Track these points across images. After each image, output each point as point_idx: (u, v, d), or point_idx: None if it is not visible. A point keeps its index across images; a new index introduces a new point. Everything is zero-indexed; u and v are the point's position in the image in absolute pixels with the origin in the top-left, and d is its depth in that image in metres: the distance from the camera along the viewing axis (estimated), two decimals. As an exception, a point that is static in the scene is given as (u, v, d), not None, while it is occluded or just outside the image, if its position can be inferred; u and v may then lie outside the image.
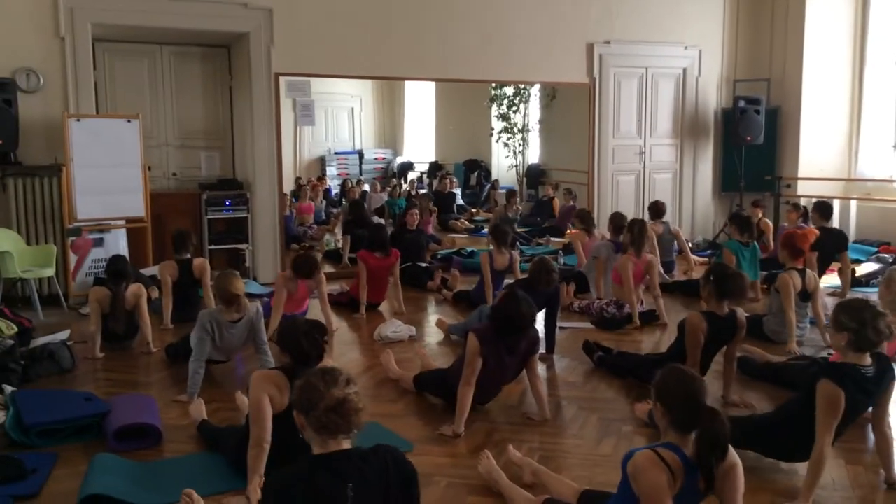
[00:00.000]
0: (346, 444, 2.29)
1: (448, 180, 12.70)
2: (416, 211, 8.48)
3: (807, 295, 5.62)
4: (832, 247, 7.22)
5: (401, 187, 12.53)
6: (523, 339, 4.25)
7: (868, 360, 3.26)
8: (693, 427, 2.53)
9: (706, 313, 4.41)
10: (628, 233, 6.69)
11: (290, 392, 3.31)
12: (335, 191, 13.32)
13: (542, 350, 5.47)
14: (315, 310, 6.40)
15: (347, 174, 14.57)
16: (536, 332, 4.42)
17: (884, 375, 3.28)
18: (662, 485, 2.48)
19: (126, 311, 5.65)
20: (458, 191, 13.13)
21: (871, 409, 3.41)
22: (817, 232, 6.83)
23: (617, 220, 7.39)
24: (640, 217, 8.48)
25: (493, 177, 14.10)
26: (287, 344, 3.43)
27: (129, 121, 7.53)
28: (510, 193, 10.59)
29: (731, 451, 2.59)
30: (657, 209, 8.35)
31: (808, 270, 5.71)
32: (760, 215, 8.87)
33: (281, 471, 2.29)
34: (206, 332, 4.70)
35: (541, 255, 5.83)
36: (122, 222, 7.64)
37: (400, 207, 11.04)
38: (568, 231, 9.70)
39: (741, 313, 4.49)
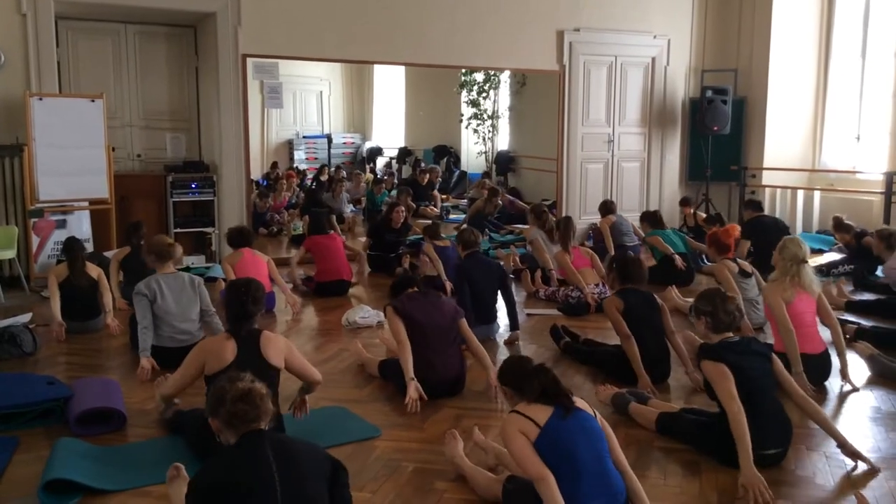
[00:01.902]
0: (263, 426, 2.40)
1: (430, 173, 12.55)
2: (403, 209, 8.34)
3: (746, 273, 5.84)
4: (777, 237, 7.32)
5: (385, 177, 12.11)
6: (442, 302, 4.58)
7: (731, 334, 3.65)
8: (533, 390, 2.84)
9: (618, 292, 4.80)
10: (557, 230, 7.23)
11: (236, 344, 3.49)
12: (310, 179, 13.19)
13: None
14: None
15: (315, 158, 14.47)
16: (450, 299, 4.86)
17: (750, 342, 3.62)
18: (514, 428, 2.74)
19: (87, 274, 5.73)
20: (438, 181, 12.95)
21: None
22: (738, 227, 7.10)
23: (536, 209, 8.04)
24: (569, 215, 9.01)
25: (463, 163, 14.09)
26: (223, 299, 3.83)
27: (92, 100, 7.41)
28: (492, 192, 10.48)
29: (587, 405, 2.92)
30: (606, 207, 8.84)
31: (737, 259, 6.00)
32: (692, 212, 9.09)
33: (202, 466, 2.42)
34: (144, 296, 4.85)
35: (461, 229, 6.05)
36: (86, 204, 7.53)
37: (377, 203, 10.84)
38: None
39: (658, 300, 4.87)
